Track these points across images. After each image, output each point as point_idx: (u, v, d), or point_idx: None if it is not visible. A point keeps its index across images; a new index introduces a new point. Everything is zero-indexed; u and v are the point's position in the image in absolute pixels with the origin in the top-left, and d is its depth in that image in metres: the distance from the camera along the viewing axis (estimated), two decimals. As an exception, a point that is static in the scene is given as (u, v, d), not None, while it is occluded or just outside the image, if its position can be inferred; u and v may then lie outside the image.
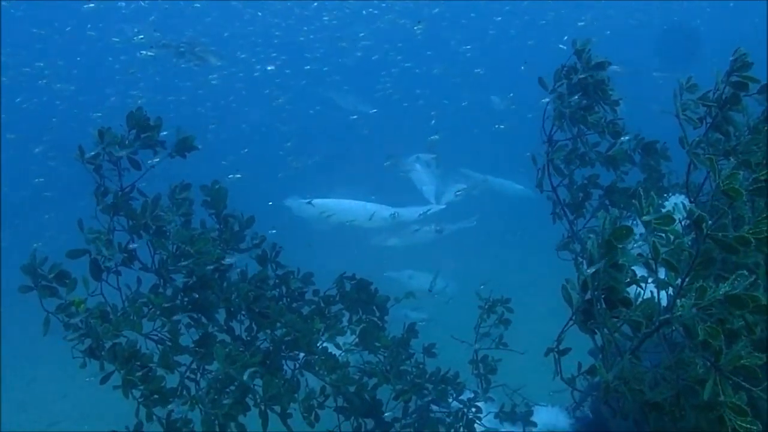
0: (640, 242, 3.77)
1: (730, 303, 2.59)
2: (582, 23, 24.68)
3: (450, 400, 5.05)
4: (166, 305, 4.44)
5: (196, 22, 27.41)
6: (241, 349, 4.29)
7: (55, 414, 11.79)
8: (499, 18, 28.58)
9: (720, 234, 2.72)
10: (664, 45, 21.52)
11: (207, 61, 13.75)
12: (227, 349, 4.16)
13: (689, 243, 3.00)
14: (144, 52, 13.53)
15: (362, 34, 24.66)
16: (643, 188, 3.15)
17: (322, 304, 5.18)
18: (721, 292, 2.60)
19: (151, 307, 4.42)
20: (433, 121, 19.91)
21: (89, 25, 24.23)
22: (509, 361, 5.64)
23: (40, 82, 21.92)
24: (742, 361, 2.68)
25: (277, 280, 5.15)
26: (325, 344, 4.80)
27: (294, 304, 5.15)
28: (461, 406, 5.02)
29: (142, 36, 14.91)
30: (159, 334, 4.45)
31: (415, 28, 22.24)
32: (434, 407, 4.97)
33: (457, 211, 15.65)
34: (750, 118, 3.89)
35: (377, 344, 4.98)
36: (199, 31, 25.44)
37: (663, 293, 3.09)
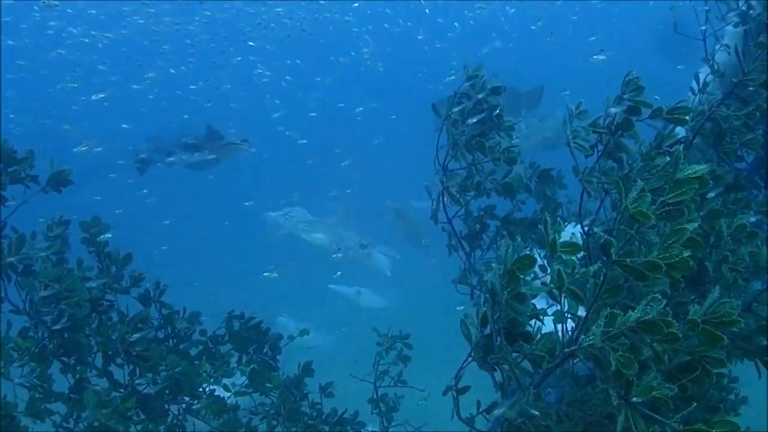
0: (541, 275, 3.65)
1: (642, 329, 2.47)
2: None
3: (348, 442, 4.84)
4: (35, 350, 4.13)
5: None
6: (119, 393, 3.97)
7: None
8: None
9: (628, 260, 2.61)
10: (664, 41, 21.80)
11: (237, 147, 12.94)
12: (99, 394, 3.88)
13: (592, 273, 2.88)
14: None
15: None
16: (546, 215, 3.02)
17: (210, 345, 4.87)
18: (632, 319, 2.47)
19: (19, 352, 4.09)
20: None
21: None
22: (413, 399, 5.48)
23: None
24: (653, 393, 2.56)
25: (161, 321, 4.85)
26: (212, 387, 4.53)
27: (181, 346, 4.85)
28: (360, 447, 4.82)
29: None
30: (30, 381, 4.12)
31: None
32: None
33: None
34: (642, 145, 3.85)
35: (268, 385, 4.71)
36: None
37: (561, 326, 2.96)
